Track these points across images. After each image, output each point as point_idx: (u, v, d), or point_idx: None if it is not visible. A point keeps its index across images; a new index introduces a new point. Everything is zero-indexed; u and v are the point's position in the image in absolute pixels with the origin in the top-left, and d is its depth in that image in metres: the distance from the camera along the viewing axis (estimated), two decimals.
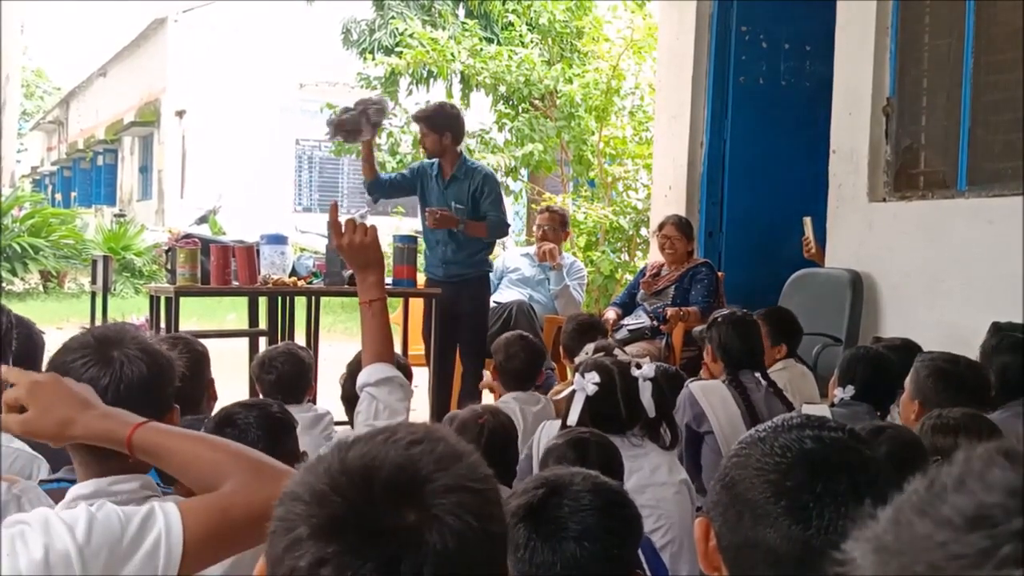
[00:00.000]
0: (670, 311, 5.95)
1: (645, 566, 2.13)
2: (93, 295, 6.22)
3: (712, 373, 4.05)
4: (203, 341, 3.23)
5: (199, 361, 3.04)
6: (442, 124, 5.95)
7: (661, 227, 6.35)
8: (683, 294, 6.17)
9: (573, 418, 3.02)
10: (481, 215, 5.96)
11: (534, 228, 6.99)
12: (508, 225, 6.25)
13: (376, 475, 0.94)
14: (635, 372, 3.08)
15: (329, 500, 0.93)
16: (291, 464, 2.21)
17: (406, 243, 5.74)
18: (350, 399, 3.45)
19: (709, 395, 3.80)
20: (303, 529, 0.92)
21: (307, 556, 0.91)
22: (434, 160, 6.07)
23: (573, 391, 3.06)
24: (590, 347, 3.66)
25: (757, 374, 3.92)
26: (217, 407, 3.12)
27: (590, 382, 3.02)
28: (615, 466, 2.53)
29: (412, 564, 0.90)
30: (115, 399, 1.69)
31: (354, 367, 3.55)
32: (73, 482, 2.03)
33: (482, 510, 0.96)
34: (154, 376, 1.80)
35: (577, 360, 3.66)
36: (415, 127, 11.51)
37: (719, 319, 4.03)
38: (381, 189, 6.20)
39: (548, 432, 3.34)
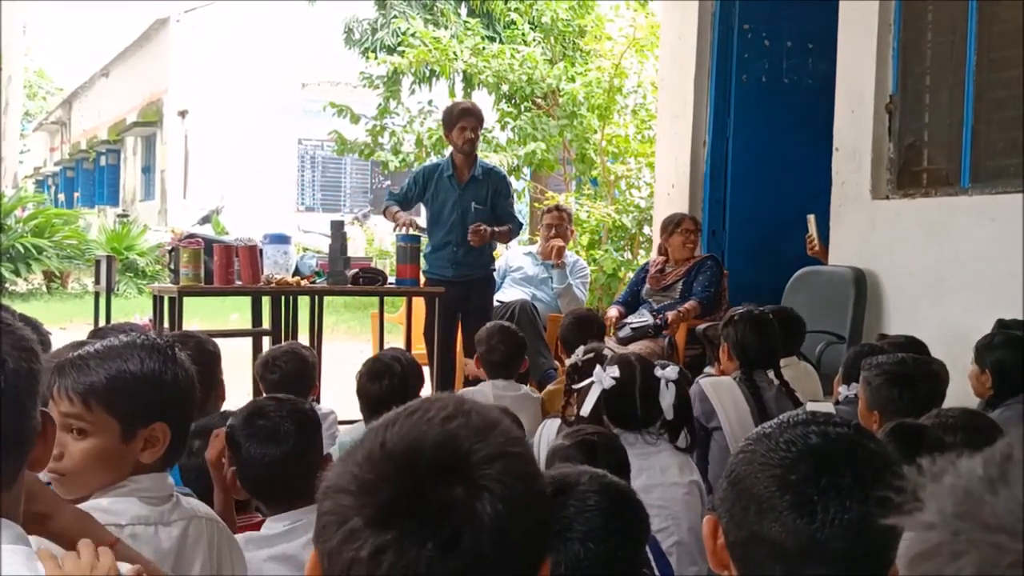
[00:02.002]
0: (671, 315, 5.95)
1: (654, 566, 2.12)
2: (96, 295, 6.22)
3: (727, 371, 3.98)
4: None
5: (210, 361, 3.05)
6: (482, 124, 6.21)
7: (679, 224, 6.34)
8: (689, 288, 6.19)
9: (586, 409, 2.98)
10: (498, 216, 6.07)
11: (541, 226, 6.97)
12: (521, 224, 6.38)
13: (419, 456, 0.94)
14: (659, 372, 3.04)
15: (377, 488, 0.93)
16: (320, 463, 2.23)
17: (409, 242, 5.73)
18: (366, 394, 3.46)
19: (720, 391, 3.76)
20: (357, 520, 0.92)
21: (367, 546, 0.91)
22: (439, 162, 6.11)
23: (591, 382, 3.03)
24: (580, 350, 3.63)
25: (770, 373, 3.87)
26: (223, 408, 3.13)
27: (609, 375, 2.98)
28: (623, 467, 2.49)
29: (471, 538, 0.91)
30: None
31: (370, 363, 3.56)
32: None
33: (524, 471, 0.97)
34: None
35: (569, 362, 3.63)
36: (417, 126, 11.62)
37: (736, 317, 3.96)
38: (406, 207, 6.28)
39: (548, 431, 3.33)
